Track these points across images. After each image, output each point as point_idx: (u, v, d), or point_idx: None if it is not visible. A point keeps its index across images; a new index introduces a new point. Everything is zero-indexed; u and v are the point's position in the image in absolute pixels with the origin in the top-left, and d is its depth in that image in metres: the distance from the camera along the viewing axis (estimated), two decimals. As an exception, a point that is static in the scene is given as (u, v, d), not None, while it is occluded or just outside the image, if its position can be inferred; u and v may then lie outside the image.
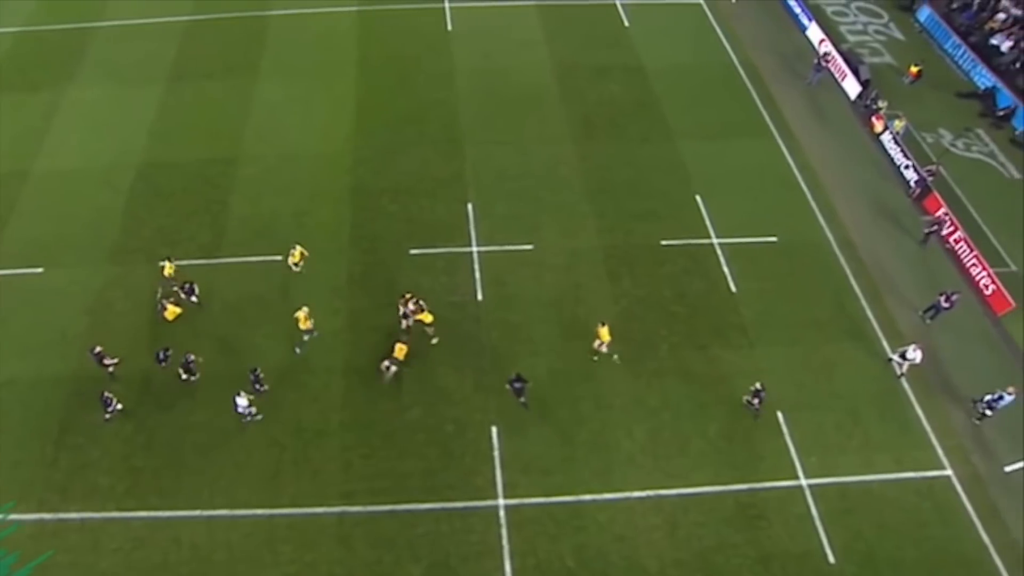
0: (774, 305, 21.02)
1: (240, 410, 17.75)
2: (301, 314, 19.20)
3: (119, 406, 17.94)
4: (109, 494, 16.98)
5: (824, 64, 28.50)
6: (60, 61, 29.28)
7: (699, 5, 32.54)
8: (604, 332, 18.73)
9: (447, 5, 31.62)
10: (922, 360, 18.82)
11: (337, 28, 30.61)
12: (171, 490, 17.10)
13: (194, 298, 20.33)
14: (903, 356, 18.98)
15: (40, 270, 21.85)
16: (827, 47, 29.23)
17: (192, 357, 18.42)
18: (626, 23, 30.96)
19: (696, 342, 20.06)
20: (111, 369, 18.53)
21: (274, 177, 24.37)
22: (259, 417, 18.09)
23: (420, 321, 19.44)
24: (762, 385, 17.93)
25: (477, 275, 21.50)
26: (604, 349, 19.06)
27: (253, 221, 22.91)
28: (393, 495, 17.03)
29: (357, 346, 19.84)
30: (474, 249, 22.24)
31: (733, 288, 21.36)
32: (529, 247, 22.26)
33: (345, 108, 26.94)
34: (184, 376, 18.42)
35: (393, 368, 18.70)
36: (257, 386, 18.27)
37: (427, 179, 24.33)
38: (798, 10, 32.03)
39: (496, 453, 17.83)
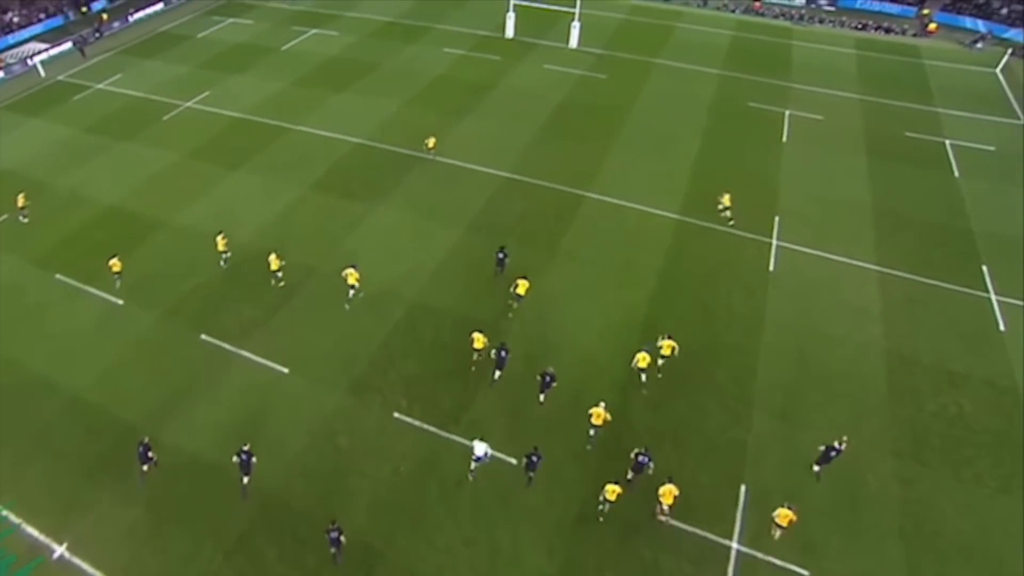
0: None
1: (478, 454, 21.99)
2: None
3: (153, 464, 22.34)
4: None
5: None
6: (377, 179, 36.50)
7: None
8: None
9: (775, 242, 33.30)
10: None
11: (649, 230, 33.70)
12: None
13: None
14: None
15: (286, 371, 26.06)
16: None
17: None
18: (1001, 327, 29.29)
19: None
20: (146, 465, 22.14)
21: (532, 363, 26.29)
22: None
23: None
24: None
25: (728, 579, 20.43)
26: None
27: (502, 404, 24.70)
28: None
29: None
30: (734, 545, 21.21)
31: None
32: (804, 573, 20.72)
33: (632, 317, 28.61)
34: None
35: None
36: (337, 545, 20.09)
37: (699, 435, 24.20)
38: None
39: None
